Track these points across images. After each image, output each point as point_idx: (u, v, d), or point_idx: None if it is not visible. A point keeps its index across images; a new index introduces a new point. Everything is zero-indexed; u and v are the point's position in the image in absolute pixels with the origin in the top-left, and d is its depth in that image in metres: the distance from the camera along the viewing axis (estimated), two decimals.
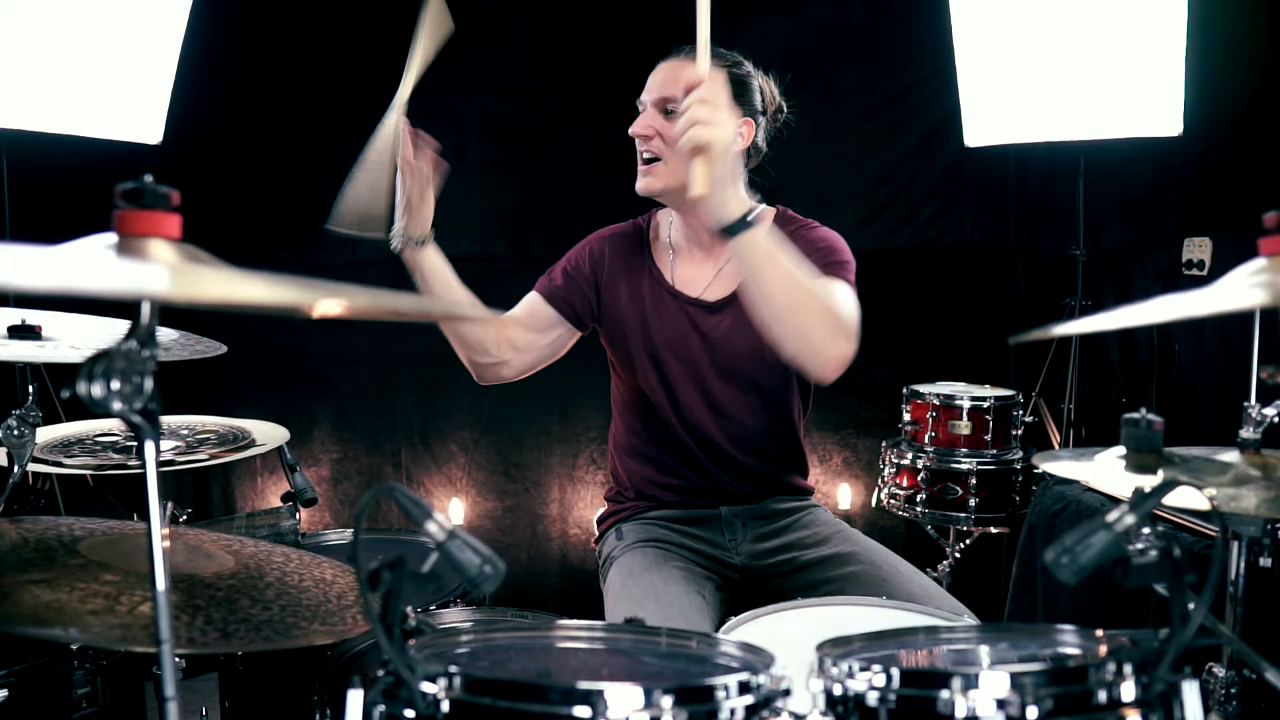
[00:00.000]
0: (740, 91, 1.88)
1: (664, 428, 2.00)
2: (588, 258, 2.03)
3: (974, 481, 2.98)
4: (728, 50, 1.92)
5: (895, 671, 0.97)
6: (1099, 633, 1.09)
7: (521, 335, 1.99)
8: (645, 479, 2.05)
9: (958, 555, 3.19)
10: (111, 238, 0.95)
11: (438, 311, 1.80)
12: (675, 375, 1.97)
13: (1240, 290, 1.11)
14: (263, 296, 0.87)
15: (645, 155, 1.89)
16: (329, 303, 0.91)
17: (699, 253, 2.00)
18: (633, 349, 1.99)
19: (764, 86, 1.95)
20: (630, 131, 1.89)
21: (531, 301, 2.03)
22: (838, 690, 1.01)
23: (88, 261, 0.90)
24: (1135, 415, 1.37)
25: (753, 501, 2.03)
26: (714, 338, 1.95)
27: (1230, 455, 1.53)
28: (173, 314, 1.53)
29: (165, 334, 1.80)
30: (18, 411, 1.64)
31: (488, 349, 1.94)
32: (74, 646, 1.61)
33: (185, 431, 2.11)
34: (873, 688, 0.98)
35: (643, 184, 1.90)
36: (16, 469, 1.64)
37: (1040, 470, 2.80)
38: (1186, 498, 1.10)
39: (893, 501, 3.15)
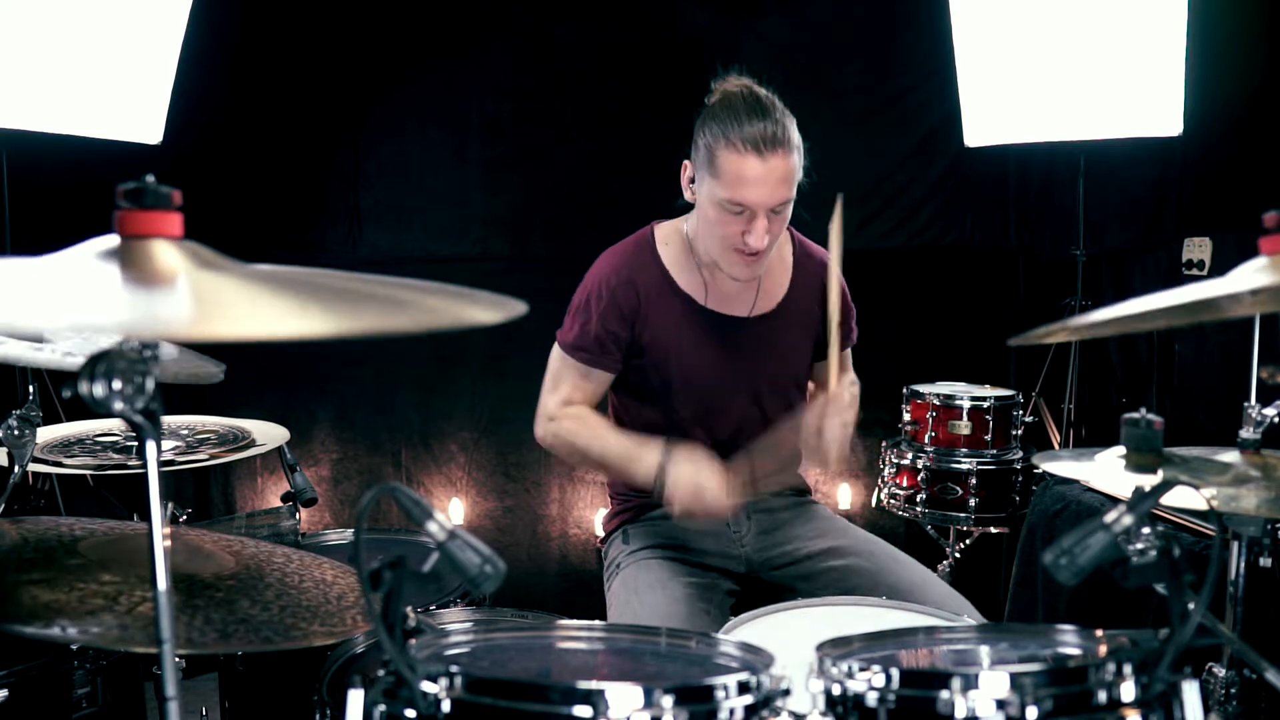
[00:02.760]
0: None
1: (682, 440, 1.99)
2: (615, 310, 1.91)
3: (974, 481, 2.98)
4: (782, 112, 1.78)
5: (895, 672, 0.98)
6: (1099, 633, 1.09)
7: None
8: None
9: (958, 555, 3.19)
10: (113, 238, 0.95)
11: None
12: (711, 396, 1.95)
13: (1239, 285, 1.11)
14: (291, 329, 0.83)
15: (750, 251, 1.80)
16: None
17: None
18: (670, 377, 1.94)
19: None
20: (753, 244, 1.76)
21: (593, 380, 1.94)
22: (837, 690, 1.01)
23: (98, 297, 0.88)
24: (1135, 415, 1.37)
25: (759, 497, 2.04)
26: (753, 355, 1.95)
27: (1230, 455, 1.53)
28: None
29: (164, 350, 1.80)
30: (18, 411, 1.64)
31: None
32: (74, 646, 1.61)
33: (185, 431, 2.11)
34: (872, 688, 0.98)
35: (748, 273, 1.84)
36: (16, 469, 1.64)
37: (1040, 470, 2.80)
38: (1186, 498, 1.10)
39: (893, 501, 3.15)
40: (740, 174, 1.72)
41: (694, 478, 1.74)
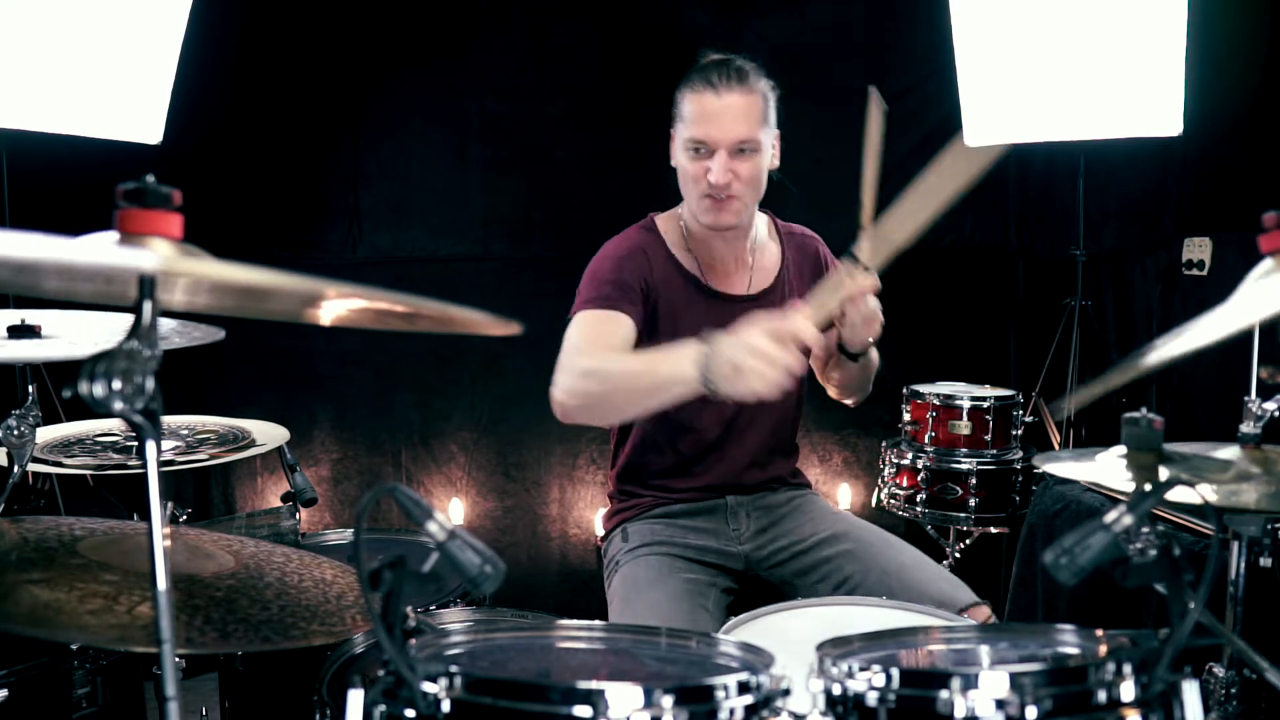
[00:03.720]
0: (770, 107, 1.89)
1: (689, 430, 2.00)
2: (631, 266, 1.92)
3: (974, 481, 2.98)
4: (752, 62, 1.89)
5: (895, 671, 0.98)
6: (1099, 633, 1.09)
7: None
8: (659, 478, 2.05)
9: (958, 555, 3.19)
10: (113, 237, 0.95)
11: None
12: None
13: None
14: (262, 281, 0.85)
15: (718, 194, 1.84)
16: (336, 305, 0.90)
17: (727, 251, 1.98)
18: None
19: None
20: (713, 181, 1.82)
21: (617, 329, 1.86)
22: (837, 690, 1.01)
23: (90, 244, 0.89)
24: (1135, 415, 1.37)
25: (757, 491, 2.06)
26: None
27: (1230, 451, 1.53)
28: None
29: (163, 323, 1.79)
30: (18, 411, 1.64)
31: None
32: (74, 646, 1.61)
33: (185, 431, 2.11)
34: (872, 688, 0.98)
35: (717, 219, 1.87)
36: (16, 469, 1.64)
37: (1040, 470, 2.80)
38: (1187, 496, 1.10)
39: (893, 501, 3.15)
40: (699, 110, 1.83)
41: (746, 346, 1.51)
